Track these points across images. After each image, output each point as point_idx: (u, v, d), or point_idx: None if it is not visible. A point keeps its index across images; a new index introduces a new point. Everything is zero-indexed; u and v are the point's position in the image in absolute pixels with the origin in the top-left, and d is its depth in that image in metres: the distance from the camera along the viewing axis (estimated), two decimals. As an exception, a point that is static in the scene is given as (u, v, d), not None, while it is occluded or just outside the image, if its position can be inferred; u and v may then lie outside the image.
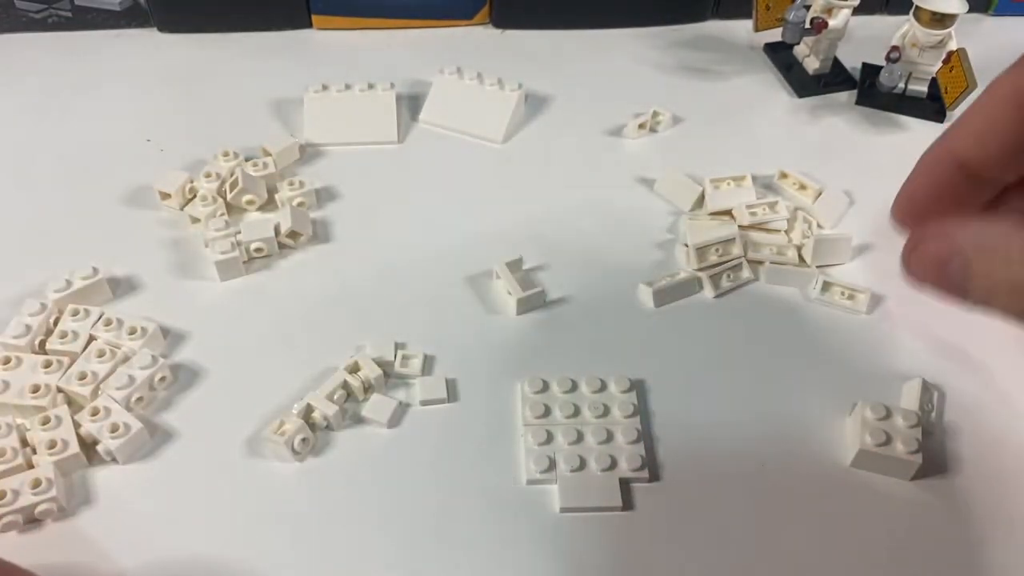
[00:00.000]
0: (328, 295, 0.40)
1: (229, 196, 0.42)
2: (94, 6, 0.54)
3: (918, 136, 0.49)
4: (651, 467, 0.33)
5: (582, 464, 0.32)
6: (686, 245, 0.41)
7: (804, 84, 0.52)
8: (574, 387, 0.34)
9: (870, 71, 0.52)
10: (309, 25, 0.56)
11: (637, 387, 0.35)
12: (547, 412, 0.34)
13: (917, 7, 0.47)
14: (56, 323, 0.37)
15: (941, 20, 0.46)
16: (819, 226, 0.42)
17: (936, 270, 0.24)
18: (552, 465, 0.32)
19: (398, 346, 0.37)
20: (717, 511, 0.32)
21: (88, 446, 0.33)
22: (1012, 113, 0.23)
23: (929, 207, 0.26)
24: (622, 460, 0.32)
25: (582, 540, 0.28)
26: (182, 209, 0.43)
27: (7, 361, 0.34)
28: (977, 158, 0.25)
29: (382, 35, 0.56)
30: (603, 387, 0.33)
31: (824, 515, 0.32)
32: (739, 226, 0.41)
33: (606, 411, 0.34)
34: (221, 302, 0.39)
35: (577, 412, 0.34)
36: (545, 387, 0.34)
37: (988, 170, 0.25)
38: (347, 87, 0.49)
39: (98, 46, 0.55)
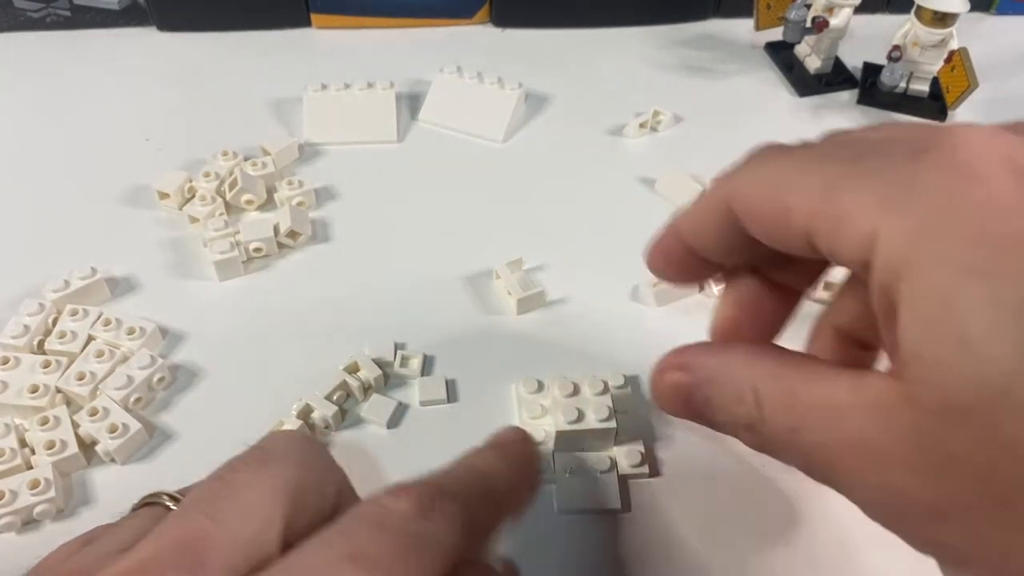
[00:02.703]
0: (327, 295, 0.39)
1: (228, 196, 0.42)
2: (93, 5, 0.54)
3: (919, 135, 0.49)
4: (651, 464, 0.33)
5: (580, 466, 0.32)
6: (687, 245, 0.41)
7: (805, 83, 0.52)
8: (576, 390, 0.34)
9: (871, 70, 0.52)
10: (308, 24, 0.56)
11: (631, 382, 0.35)
12: (544, 413, 0.33)
13: (919, 6, 0.47)
14: (55, 323, 0.37)
15: (943, 19, 0.46)
16: (820, 226, 0.42)
17: (680, 402, 0.25)
18: (550, 465, 0.32)
19: (397, 346, 0.37)
20: (718, 510, 0.32)
21: (87, 446, 0.33)
22: (721, 218, 0.25)
23: (674, 274, 0.28)
24: (621, 459, 0.32)
25: (582, 538, 0.28)
26: (181, 209, 0.43)
27: (5, 361, 0.34)
28: (699, 248, 0.27)
29: (381, 34, 0.56)
30: (605, 389, 0.33)
31: (826, 513, 0.32)
32: (740, 226, 0.41)
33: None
34: (220, 302, 0.39)
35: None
36: (540, 387, 0.34)
37: (711, 257, 0.27)
38: (346, 86, 0.49)
39: (97, 45, 0.55)
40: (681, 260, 0.27)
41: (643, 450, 0.32)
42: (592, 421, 0.32)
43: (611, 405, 0.32)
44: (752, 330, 0.29)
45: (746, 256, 0.26)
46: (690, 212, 0.27)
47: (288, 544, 0.21)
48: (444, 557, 0.22)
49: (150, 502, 0.25)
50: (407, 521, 0.21)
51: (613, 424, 0.32)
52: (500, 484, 0.25)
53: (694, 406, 0.25)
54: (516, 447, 0.27)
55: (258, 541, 0.20)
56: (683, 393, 0.25)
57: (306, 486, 0.23)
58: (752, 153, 0.25)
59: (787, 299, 0.28)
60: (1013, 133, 0.19)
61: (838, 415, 0.20)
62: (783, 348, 0.25)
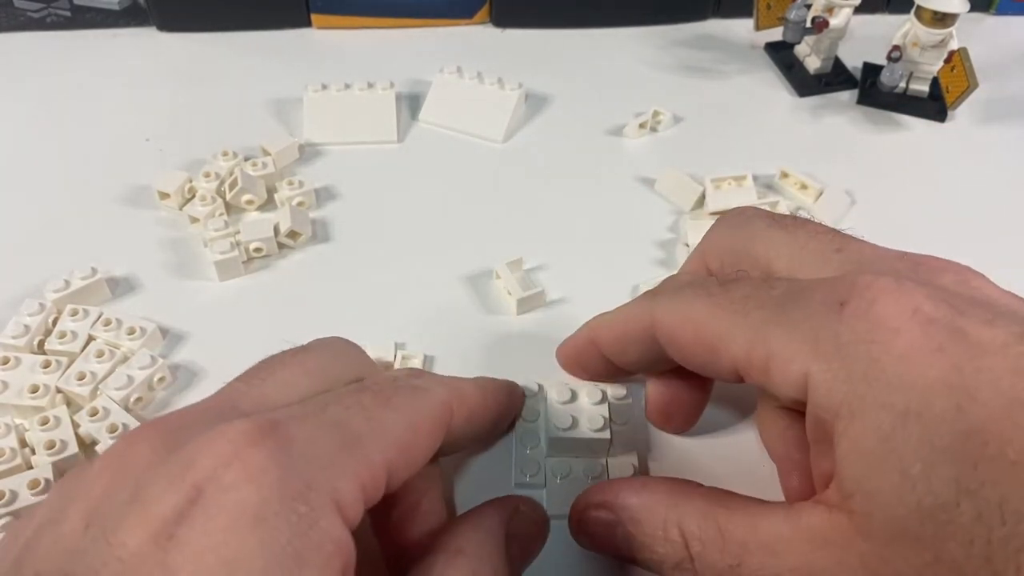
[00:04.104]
0: (328, 295, 0.39)
1: (228, 196, 0.42)
2: (93, 5, 0.54)
3: (920, 136, 0.49)
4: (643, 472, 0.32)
5: (571, 471, 0.31)
6: (687, 245, 0.41)
7: (805, 83, 0.52)
8: (574, 397, 0.33)
9: (871, 70, 0.52)
10: (308, 24, 0.56)
11: (633, 393, 0.34)
12: (539, 417, 0.33)
13: (918, 6, 0.47)
14: (55, 323, 0.37)
15: (942, 19, 0.46)
16: (820, 226, 0.42)
17: (602, 540, 0.27)
18: (541, 469, 0.32)
19: (398, 346, 0.37)
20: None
21: (87, 446, 0.33)
22: (643, 340, 0.28)
23: (585, 375, 0.33)
24: (613, 471, 0.31)
25: (573, 544, 0.28)
26: (181, 209, 0.43)
27: (6, 361, 0.34)
28: (616, 361, 0.30)
29: (382, 34, 0.56)
30: (603, 399, 0.33)
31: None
32: (740, 226, 0.41)
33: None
34: (220, 302, 0.39)
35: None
36: (538, 390, 0.34)
37: (627, 369, 0.30)
38: (346, 86, 0.49)
39: (97, 45, 0.55)
40: (595, 365, 0.31)
41: (636, 463, 0.31)
42: (586, 431, 0.31)
43: (607, 416, 0.31)
44: (681, 412, 0.32)
45: (661, 368, 0.29)
46: (610, 327, 0.29)
47: None
48: (439, 404, 0.25)
49: None
50: (405, 376, 0.26)
51: (607, 435, 0.31)
52: (486, 383, 0.30)
53: (616, 544, 0.26)
54: (500, 380, 0.31)
55: (283, 400, 0.24)
56: (605, 531, 0.26)
57: (334, 371, 0.26)
58: (669, 282, 0.28)
59: (703, 384, 0.31)
60: (914, 283, 0.21)
61: (778, 549, 0.22)
62: (704, 486, 0.26)
